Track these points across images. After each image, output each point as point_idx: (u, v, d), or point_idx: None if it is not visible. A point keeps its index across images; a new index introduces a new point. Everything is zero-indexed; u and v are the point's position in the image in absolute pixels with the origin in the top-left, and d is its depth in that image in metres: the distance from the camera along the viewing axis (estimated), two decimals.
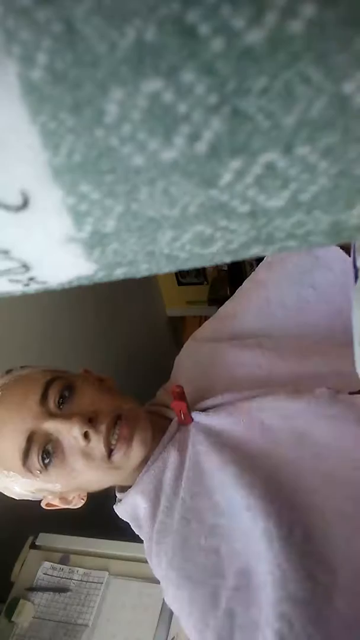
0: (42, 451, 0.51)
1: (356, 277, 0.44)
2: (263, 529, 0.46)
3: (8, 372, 0.57)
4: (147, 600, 1.02)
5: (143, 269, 0.20)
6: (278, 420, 0.53)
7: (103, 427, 0.51)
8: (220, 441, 0.54)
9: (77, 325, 1.50)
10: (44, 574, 1.10)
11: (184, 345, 0.74)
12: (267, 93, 0.12)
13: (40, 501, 0.61)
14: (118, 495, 0.61)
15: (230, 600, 0.46)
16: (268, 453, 0.52)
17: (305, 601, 0.42)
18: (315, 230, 0.18)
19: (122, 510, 0.60)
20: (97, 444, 0.51)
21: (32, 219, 0.16)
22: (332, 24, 0.11)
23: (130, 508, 0.58)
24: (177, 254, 0.19)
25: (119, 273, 0.20)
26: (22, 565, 1.11)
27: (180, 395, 0.56)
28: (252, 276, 0.73)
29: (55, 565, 1.11)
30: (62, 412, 0.52)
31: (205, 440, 0.55)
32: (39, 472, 0.51)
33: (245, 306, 0.71)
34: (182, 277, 2.42)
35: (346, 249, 0.62)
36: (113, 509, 0.62)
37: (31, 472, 0.51)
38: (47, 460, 0.51)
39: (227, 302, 0.74)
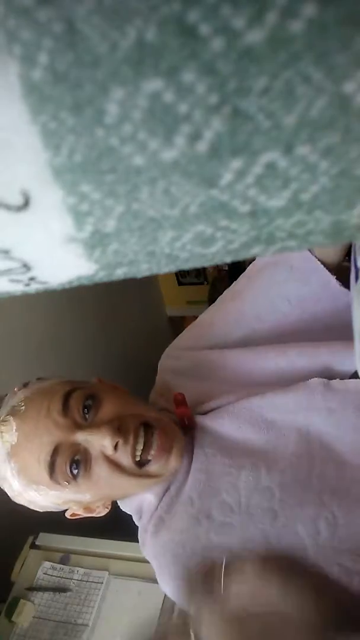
0: (71, 462, 0.50)
1: (356, 277, 0.44)
2: (293, 534, 0.47)
3: (25, 385, 0.57)
4: (147, 600, 1.02)
5: (143, 269, 0.20)
6: (280, 414, 0.54)
7: (130, 437, 0.51)
8: (226, 444, 0.55)
9: (77, 325, 1.50)
10: (44, 573, 1.10)
11: (165, 353, 0.73)
12: (267, 93, 0.12)
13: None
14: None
15: None
16: (275, 447, 0.53)
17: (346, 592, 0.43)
18: (316, 230, 0.18)
19: (128, 504, 0.60)
20: (124, 453, 0.51)
21: (32, 219, 0.16)
22: (333, 23, 0.11)
23: (137, 502, 0.59)
24: (178, 254, 0.19)
25: (120, 273, 0.20)
26: (22, 565, 1.11)
27: (183, 402, 0.56)
28: (232, 286, 0.71)
29: (55, 565, 1.11)
30: (88, 422, 0.52)
31: (211, 443, 0.56)
32: (67, 483, 0.51)
33: (222, 317, 0.69)
34: (182, 277, 2.42)
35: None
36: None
37: (59, 483, 0.51)
38: (76, 471, 0.51)
39: (206, 311, 0.73)
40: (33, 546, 1.15)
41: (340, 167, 0.14)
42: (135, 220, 0.16)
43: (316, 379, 0.55)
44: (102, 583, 1.06)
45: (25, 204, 0.15)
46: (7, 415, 0.52)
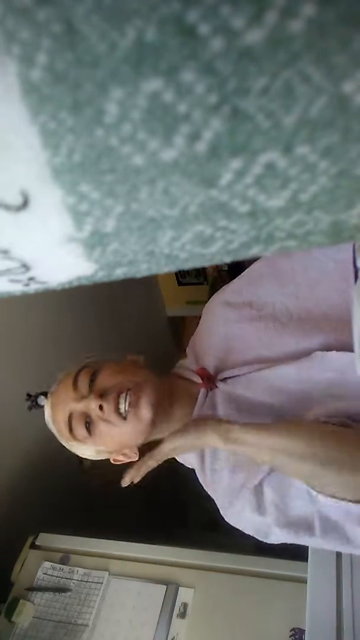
0: (85, 424, 0.69)
1: (356, 277, 0.44)
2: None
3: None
4: (147, 600, 1.02)
5: (143, 269, 0.20)
6: (288, 384, 0.66)
7: (110, 398, 0.67)
8: (239, 406, 0.69)
9: (77, 325, 1.50)
10: (44, 574, 1.10)
11: (213, 304, 0.83)
12: (267, 93, 0.12)
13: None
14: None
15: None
16: (285, 410, 0.65)
17: None
18: (315, 230, 0.17)
19: (182, 459, 0.75)
20: (109, 412, 0.67)
21: (32, 219, 0.16)
22: (332, 23, 0.11)
23: (184, 459, 0.74)
24: (177, 254, 0.19)
25: (119, 273, 0.20)
26: (22, 565, 1.11)
27: (207, 377, 0.73)
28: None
29: (55, 565, 1.11)
30: (89, 393, 0.68)
31: (228, 405, 0.70)
32: (85, 439, 0.70)
33: (271, 272, 0.77)
34: (182, 277, 2.42)
35: None
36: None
37: (80, 440, 0.70)
38: (88, 429, 0.69)
39: (256, 263, 0.81)
40: (33, 546, 1.15)
41: (339, 167, 0.14)
42: (134, 220, 0.16)
43: (317, 351, 0.65)
44: (102, 583, 1.06)
45: (25, 203, 0.15)
46: (49, 394, 0.74)
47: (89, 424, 0.69)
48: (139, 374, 0.72)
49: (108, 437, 0.70)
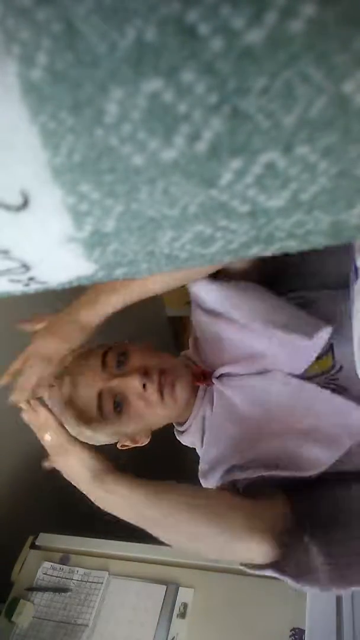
0: (114, 402, 0.68)
1: (356, 277, 0.44)
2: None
3: (72, 351, 0.74)
4: (147, 600, 1.02)
5: (143, 269, 0.20)
6: (271, 397, 0.68)
7: (155, 377, 0.68)
8: (227, 409, 0.72)
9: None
10: (44, 574, 1.10)
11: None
12: (267, 93, 0.12)
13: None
14: (178, 427, 0.79)
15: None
16: (268, 420, 0.68)
17: None
18: (315, 230, 0.17)
19: (184, 441, 0.79)
20: (152, 390, 0.67)
21: (32, 219, 0.16)
22: (332, 23, 0.11)
23: (189, 443, 0.79)
24: (177, 254, 0.19)
25: (119, 273, 0.20)
26: (22, 565, 1.11)
27: (204, 375, 0.74)
28: None
29: (55, 565, 1.11)
30: (121, 371, 0.69)
31: (220, 403, 0.73)
32: (113, 419, 0.68)
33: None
34: None
35: None
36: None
37: (108, 418, 0.68)
38: (118, 409, 0.68)
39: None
40: (33, 546, 1.15)
41: (339, 167, 0.14)
42: (134, 220, 0.16)
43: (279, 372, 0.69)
44: (102, 583, 1.06)
45: (25, 203, 0.15)
46: (60, 374, 0.69)
47: (118, 403, 0.68)
48: (168, 358, 0.75)
49: (139, 417, 0.70)
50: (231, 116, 0.13)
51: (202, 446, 0.75)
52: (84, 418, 0.69)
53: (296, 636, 0.90)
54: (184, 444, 0.80)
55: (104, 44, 0.11)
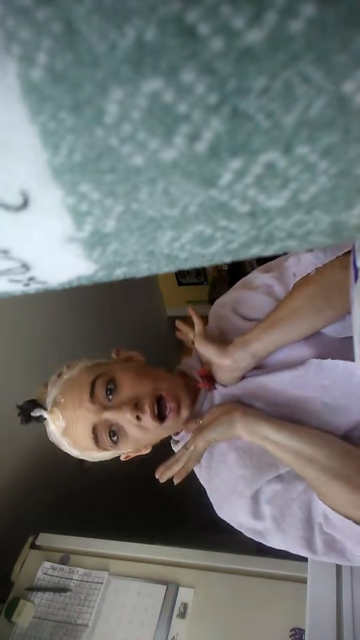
0: (109, 433, 0.67)
1: (356, 277, 0.44)
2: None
3: (59, 375, 0.72)
4: (147, 600, 1.02)
5: (143, 269, 0.20)
6: (283, 389, 0.66)
7: (146, 407, 0.66)
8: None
9: (77, 325, 1.50)
10: (44, 574, 1.10)
11: (218, 305, 0.82)
12: (267, 93, 0.12)
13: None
14: (174, 437, 0.77)
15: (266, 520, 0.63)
16: (281, 415, 0.65)
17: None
18: (315, 230, 0.17)
19: (178, 450, 0.77)
20: (147, 420, 0.66)
21: (32, 219, 0.16)
22: (332, 23, 0.11)
23: None
24: (177, 254, 0.19)
25: (119, 273, 0.20)
26: (22, 565, 1.11)
27: (208, 377, 0.73)
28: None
29: (55, 565, 1.11)
30: (112, 402, 0.67)
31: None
32: (110, 447, 0.69)
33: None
34: (182, 277, 2.42)
35: None
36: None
37: (105, 449, 0.69)
38: (114, 438, 0.68)
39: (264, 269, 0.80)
40: (33, 546, 1.15)
41: (339, 167, 0.14)
42: (134, 220, 0.16)
43: (311, 359, 0.65)
44: (102, 583, 1.06)
45: (25, 203, 0.15)
46: (52, 406, 0.69)
47: (114, 433, 0.67)
48: (160, 376, 0.72)
49: (137, 442, 0.69)
50: (231, 116, 0.13)
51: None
52: (81, 446, 0.70)
53: (296, 636, 0.90)
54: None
55: (104, 44, 0.11)
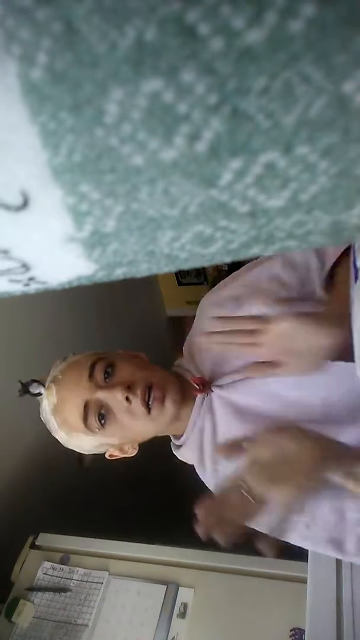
0: (98, 414, 0.68)
1: (356, 277, 0.44)
2: None
3: (64, 359, 0.74)
4: (147, 600, 1.02)
5: (143, 269, 0.20)
6: (285, 390, 0.65)
7: (138, 392, 0.67)
8: (236, 410, 0.69)
9: (77, 325, 1.50)
10: (44, 574, 1.10)
11: (204, 305, 0.82)
12: (267, 93, 0.12)
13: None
14: (175, 441, 0.77)
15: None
16: (283, 416, 0.65)
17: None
18: (315, 230, 0.17)
19: (180, 456, 0.77)
20: (137, 404, 0.67)
21: (32, 219, 0.16)
22: (332, 23, 0.11)
23: (185, 458, 0.77)
24: (177, 254, 0.19)
25: (119, 273, 0.20)
26: (22, 565, 1.11)
27: (202, 384, 0.71)
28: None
29: (55, 565, 1.11)
30: (107, 384, 0.68)
31: (229, 411, 0.69)
32: (97, 430, 0.68)
33: (266, 274, 0.75)
34: (182, 277, 2.41)
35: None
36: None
37: (92, 430, 0.69)
38: (102, 420, 0.68)
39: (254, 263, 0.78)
40: (33, 546, 1.15)
41: (339, 167, 0.14)
42: (134, 220, 0.16)
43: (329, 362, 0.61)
44: (102, 583, 1.06)
45: (25, 203, 0.15)
46: (50, 383, 0.71)
47: (102, 415, 0.68)
48: (157, 371, 0.73)
49: (124, 430, 0.69)
50: (231, 116, 0.13)
51: (200, 460, 0.72)
52: (68, 426, 0.70)
53: (296, 636, 0.90)
54: (180, 459, 0.78)
55: (104, 44, 0.11)
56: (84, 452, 0.75)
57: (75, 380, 0.69)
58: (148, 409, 0.67)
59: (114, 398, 0.66)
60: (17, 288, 0.20)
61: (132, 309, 1.87)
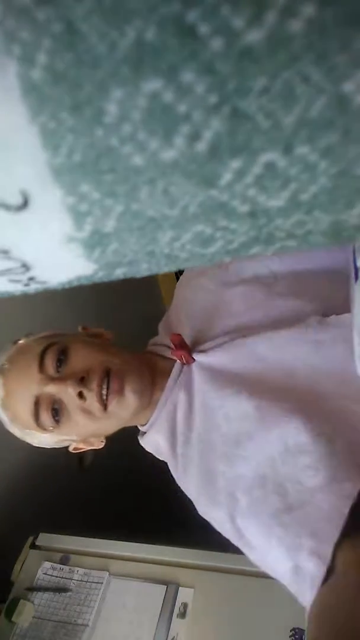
0: (51, 410, 0.58)
1: (356, 277, 0.44)
2: (277, 434, 0.51)
3: (15, 342, 0.64)
4: (147, 600, 1.02)
5: (143, 269, 0.20)
6: (273, 352, 0.57)
7: (94, 385, 0.57)
8: (221, 377, 0.59)
9: (76, 325, 1.50)
10: (44, 574, 1.10)
11: (186, 278, 0.75)
12: (267, 93, 0.12)
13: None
14: (141, 428, 0.67)
15: (238, 517, 0.51)
16: (261, 377, 0.56)
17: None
18: (315, 230, 0.17)
19: (146, 443, 0.67)
20: (92, 400, 0.57)
21: (32, 219, 0.16)
22: (332, 23, 0.11)
23: (152, 445, 0.66)
24: (177, 254, 0.19)
25: (119, 273, 0.20)
26: (22, 565, 1.11)
27: (181, 344, 0.61)
28: None
29: (55, 565, 1.11)
30: (59, 375, 0.58)
31: (208, 378, 0.59)
32: (52, 428, 0.59)
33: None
34: None
35: None
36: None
37: (45, 428, 0.59)
38: (57, 417, 0.58)
39: None
40: (33, 546, 1.15)
41: (339, 167, 0.14)
42: (134, 220, 0.16)
43: (313, 316, 0.56)
44: (102, 583, 1.06)
45: (25, 203, 0.15)
46: None
47: (57, 411, 0.58)
48: (116, 354, 0.61)
49: (82, 428, 0.60)
50: (231, 116, 0.13)
51: (172, 445, 0.61)
52: (20, 423, 0.60)
53: (296, 636, 0.90)
54: (147, 448, 0.67)
55: (104, 44, 0.11)
56: (47, 447, 0.66)
57: (24, 371, 0.58)
58: (104, 405, 0.57)
59: (66, 393, 0.56)
60: (17, 288, 0.20)
61: (132, 309, 1.87)
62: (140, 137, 0.13)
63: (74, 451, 0.68)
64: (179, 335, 0.61)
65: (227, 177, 0.14)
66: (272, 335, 0.57)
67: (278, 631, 0.91)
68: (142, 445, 0.67)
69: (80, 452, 0.69)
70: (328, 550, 0.43)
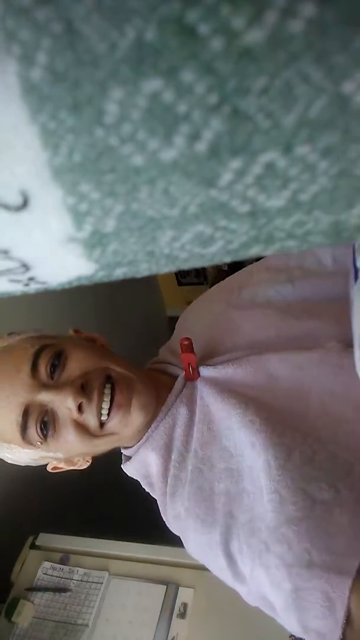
0: (41, 422, 0.50)
1: (356, 277, 0.44)
2: (263, 461, 0.47)
3: None
4: (147, 600, 1.02)
5: (143, 269, 0.20)
6: (287, 371, 0.53)
7: (94, 395, 0.50)
8: (225, 388, 0.54)
9: (77, 325, 1.50)
10: (44, 574, 1.10)
11: (190, 307, 0.72)
12: (267, 93, 0.12)
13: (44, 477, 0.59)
14: (125, 452, 0.59)
15: (241, 537, 0.47)
16: (273, 398, 0.52)
17: (302, 520, 0.43)
18: (315, 230, 0.17)
19: (132, 468, 0.59)
20: (90, 414, 0.50)
21: (32, 219, 0.16)
22: (332, 23, 0.11)
23: (141, 465, 0.58)
24: (177, 254, 0.19)
25: (119, 273, 0.20)
26: (22, 565, 1.11)
27: (189, 348, 0.54)
28: None
29: (55, 565, 1.11)
30: (54, 381, 0.50)
31: (211, 390, 0.54)
32: (39, 443, 0.51)
33: (263, 266, 0.67)
34: (182, 277, 2.42)
35: None
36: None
37: (32, 443, 0.51)
38: (45, 432, 0.50)
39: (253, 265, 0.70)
40: (33, 546, 1.15)
41: (339, 167, 0.14)
42: (134, 220, 0.16)
43: (334, 342, 0.53)
44: (102, 583, 1.06)
45: (25, 203, 0.15)
46: None
47: (45, 424, 0.50)
48: (119, 362, 0.54)
49: (70, 446, 0.51)
50: (231, 116, 0.13)
51: (164, 463, 0.55)
52: (2, 436, 0.51)
53: (296, 636, 0.90)
54: (130, 474, 0.60)
55: (104, 44, 0.11)
56: (21, 464, 0.57)
57: (12, 374, 0.49)
58: (100, 422, 0.50)
59: (62, 403, 0.49)
60: (17, 288, 0.20)
61: (132, 309, 1.87)
62: (140, 137, 0.13)
63: (52, 471, 0.60)
64: (189, 338, 0.55)
65: (227, 177, 0.14)
66: (288, 355, 0.53)
67: (278, 631, 0.91)
68: (125, 471, 0.60)
69: (59, 472, 0.61)
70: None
